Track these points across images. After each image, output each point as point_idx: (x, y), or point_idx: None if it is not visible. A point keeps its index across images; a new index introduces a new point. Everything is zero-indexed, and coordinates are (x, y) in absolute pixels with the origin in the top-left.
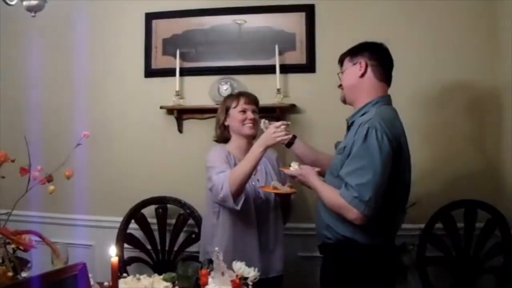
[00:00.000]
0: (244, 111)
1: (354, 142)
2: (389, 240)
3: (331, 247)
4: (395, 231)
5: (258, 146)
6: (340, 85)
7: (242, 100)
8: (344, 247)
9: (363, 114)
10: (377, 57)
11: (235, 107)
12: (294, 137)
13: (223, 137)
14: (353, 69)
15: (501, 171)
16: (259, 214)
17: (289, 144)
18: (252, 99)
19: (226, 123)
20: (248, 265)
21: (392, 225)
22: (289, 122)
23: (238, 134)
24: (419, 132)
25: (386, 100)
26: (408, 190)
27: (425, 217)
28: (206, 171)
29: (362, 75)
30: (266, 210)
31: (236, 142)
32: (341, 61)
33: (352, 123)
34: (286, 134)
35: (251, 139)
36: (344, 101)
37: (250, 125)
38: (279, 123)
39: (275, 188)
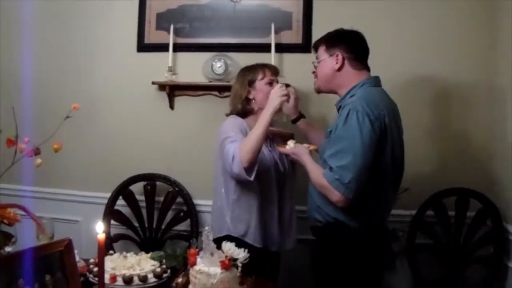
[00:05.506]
0: (270, 83)
1: (337, 125)
2: (381, 223)
3: (321, 229)
4: (387, 213)
5: (265, 110)
6: (314, 72)
7: (268, 72)
8: (334, 230)
9: (351, 97)
10: (354, 49)
11: (261, 79)
12: (302, 115)
13: (244, 111)
14: (330, 61)
15: (494, 161)
16: (278, 186)
17: (295, 120)
18: (277, 70)
19: (251, 97)
20: (269, 238)
21: (382, 207)
22: (289, 84)
23: (261, 108)
24: (414, 119)
25: (373, 81)
26: (401, 170)
27: (416, 203)
28: (220, 145)
29: (340, 69)
30: (283, 182)
31: (255, 116)
32: (315, 48)
33: (340, 107)
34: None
35: None
36: (319, 91)
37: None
38: (279, 85)
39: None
